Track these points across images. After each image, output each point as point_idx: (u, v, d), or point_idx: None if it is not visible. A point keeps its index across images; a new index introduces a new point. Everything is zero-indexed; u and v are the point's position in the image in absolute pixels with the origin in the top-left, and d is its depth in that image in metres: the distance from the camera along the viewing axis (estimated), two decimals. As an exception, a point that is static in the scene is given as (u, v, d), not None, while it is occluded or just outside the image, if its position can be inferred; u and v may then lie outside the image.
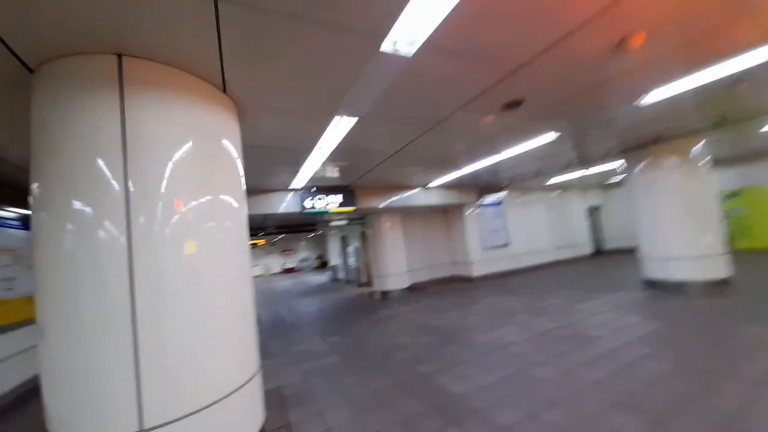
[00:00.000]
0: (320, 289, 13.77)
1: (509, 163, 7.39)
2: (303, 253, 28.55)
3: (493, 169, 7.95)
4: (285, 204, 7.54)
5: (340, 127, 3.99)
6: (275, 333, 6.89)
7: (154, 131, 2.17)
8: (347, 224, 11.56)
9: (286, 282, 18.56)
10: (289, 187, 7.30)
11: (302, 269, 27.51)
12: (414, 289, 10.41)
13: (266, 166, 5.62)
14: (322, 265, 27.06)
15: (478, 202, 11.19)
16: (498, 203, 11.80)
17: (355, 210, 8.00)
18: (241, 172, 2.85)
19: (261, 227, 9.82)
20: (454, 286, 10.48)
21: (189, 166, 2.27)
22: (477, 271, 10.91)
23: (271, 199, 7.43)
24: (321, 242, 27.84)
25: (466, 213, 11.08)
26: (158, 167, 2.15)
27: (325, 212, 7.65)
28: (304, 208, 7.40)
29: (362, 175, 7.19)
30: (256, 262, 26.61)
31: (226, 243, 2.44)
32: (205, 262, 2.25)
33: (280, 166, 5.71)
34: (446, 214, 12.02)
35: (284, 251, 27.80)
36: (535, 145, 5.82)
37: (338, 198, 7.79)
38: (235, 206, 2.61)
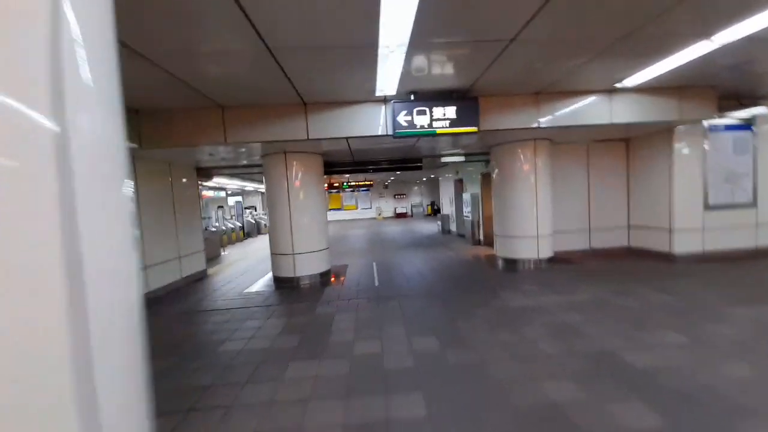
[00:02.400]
0: (428, 242, 11.53)
1: None
2: (415, 198, 26.83)
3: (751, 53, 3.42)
4: (369, 122, 5.06)
5: None
6: (348, 310, 4.97)
7: None
8: (463, 162, 8.49)
9: (395, 228, 17.15)
10: (376, 94, 4.70)
11: (414, 215, 26.03)
12: (560, 262, 6.92)
13: (321, 61, 3.20)
14: (434, 212, 24.92)
15: (708, 122, 6.25)
16: (746, 126, 6.46)
17: (477, 131, 4.89)
18: None
19: (349, 162, 7.86)
20: (636, 264, 6.46)
21: None
22: (686, 244, 6.45)
23: (349, 114, 5.04)
24: (434, 187, 25.43)
25: (677, 144, 6.36)
26: None
27: (430, 133, 4.82)
28: (397, 127, 4.75)
29: (491, 63, 3.95)
30: (369, 204, 26.44)
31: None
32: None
33: (343, 54, 3.14)
34: (629, 146, 7.43)
35: (396, 195, 26.63)
36: None
37: (450, 111, 4.79)
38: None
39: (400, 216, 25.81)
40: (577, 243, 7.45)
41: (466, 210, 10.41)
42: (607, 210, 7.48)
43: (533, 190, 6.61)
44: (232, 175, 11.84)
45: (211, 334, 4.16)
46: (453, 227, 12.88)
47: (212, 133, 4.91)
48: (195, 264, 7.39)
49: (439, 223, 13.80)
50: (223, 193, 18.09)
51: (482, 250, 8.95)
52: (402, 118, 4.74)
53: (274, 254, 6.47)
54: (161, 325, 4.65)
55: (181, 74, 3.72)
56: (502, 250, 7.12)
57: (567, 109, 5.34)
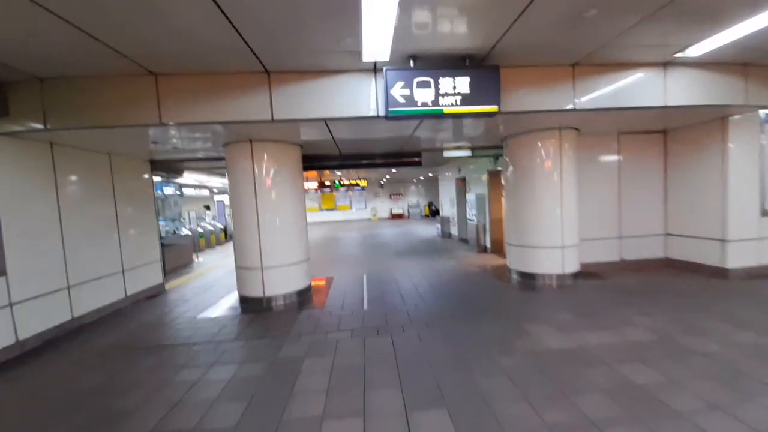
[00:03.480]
0: (427, 247, 10.32)
1: None
2: (412, 199, 25.64)
3: None
4: (354, 98, 3.83)
5: None
6: (324, 352, 3.75)
7: None
8: (469, 157, 7.28)
9: (391, 230, 15.93)
10: (363, 60, 3.45)
11: (410, 216, 24.84)
12: (587, 277, 5.74)
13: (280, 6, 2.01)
14: (432, 213, 23.74)
15: (764, 112, 5.13)
16: (815, 116, 5.33)
17: (497, 112, 3.68)
18: None
19: (335, 156, 6.60)
20: (683, 281, 5.29)
21: None
22: (741, 257, 5.31)
23: (328, 88, 3.81)
24: (433, 187, 24.27)
25: (733, 137, 5.21)
26: None
27: (435, 113, 3.60)
28: (391, 104, 3.52)
29: (517, 17, 2.77)
30: (363, 204, 25.21)
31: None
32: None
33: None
34: (666, 140, 6.27)
35: (392, 195, 25.42)
36: None
37: (462, 83, 3.57)
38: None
39: (396, 217, 24.63)
40: (605, 253, 6.27)
41: (471, 213, 9.22)
42: (640, 215, 6.31)
43: (557, 191, 5.42)
44: (209, 170, 10.53)
45: (119, 393, 2.90)
46: (454, 231, 11.69)
47: (141, 109, 3.63)
48: (147, 278, 6.10)
49: (439, 226, 12.60)
50: (205, 192, 16.76)
51: (490, 259, 7.75)
52: (398, 92, 3.50)
53: (239, 268, 5.21)
54: (63, 368, 3.38)
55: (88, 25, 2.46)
56: (516, 261, 5.92)
57: (610, 87, 4.14)
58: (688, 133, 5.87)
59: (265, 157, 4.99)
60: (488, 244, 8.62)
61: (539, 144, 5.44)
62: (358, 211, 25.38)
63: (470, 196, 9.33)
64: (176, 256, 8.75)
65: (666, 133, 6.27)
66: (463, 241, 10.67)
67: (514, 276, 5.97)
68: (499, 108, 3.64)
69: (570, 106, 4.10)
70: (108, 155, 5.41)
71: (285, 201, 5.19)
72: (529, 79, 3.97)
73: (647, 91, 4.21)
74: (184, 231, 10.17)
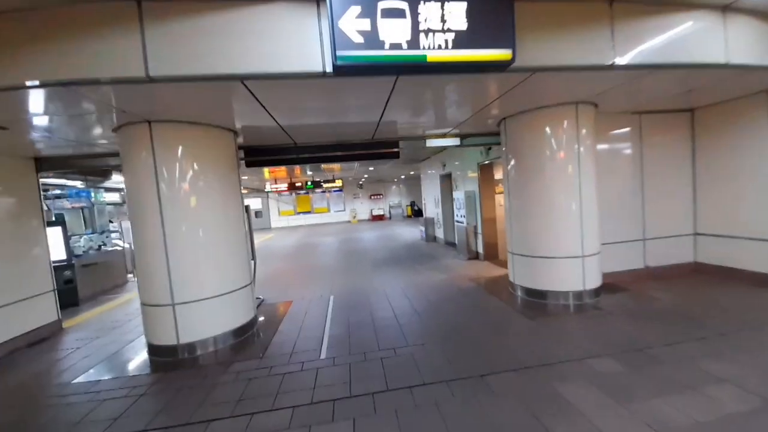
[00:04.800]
0: (410, 254, 9.00)
1: None
2: (393, 199, 24.36)
3: None
4: (280, 42, 2.40)
5: None
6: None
7: None
8: (457, 146, 5.96)
9: (370, 234, 14.54)
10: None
11: (392, 217, 23.55)
12: (611, 291, 4.55)
13: None
14: (415, 213, 22.53)
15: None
16: None
17: (510, 61, 2.35)
18: None
19: (290, 147, 5.09)
20: (719, 291, 4.18)
21: None
22: (804, 263, 4.27)
23: (237, 26, 2.35)
24: (415, 186, 23.06)
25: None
26: None
27: (415, 60, 2.22)
28: (341, 45, 2.12)
29: None
30: (342, 206, 23.71)
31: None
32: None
33: None
34: (694, 120, 5.19)
35: (372, 195, 24.03)
36: None
37: (456, 12, 2.22)
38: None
39: (376, 218, 23.26)
40: (626, 260, 5.12)
41: (459, 213, 7.95)
42: (665, 211, 5.20)
43: (575, 186, 4.20)
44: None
45: None
46: (440, 233, 10.43)
47: None
48: (29, 317, 4.43)
49: (423, 228, 11.31)
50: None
51: (483, 269, 6.50)
52: (352, 25, 2.12)
53: (144, 305, 3.67)
54: None
55: None
56: (521, 275, 4.67)
57: (657, 38, 2.92)
58: (722, 111, 4.79)
59: (174, 146, 3.48)
60: (480, 250, 7.38)
61: (550, 125, 4.20)
62: (337, 213, 23.87)
63: (458, 195, 8.07)
64: (99, 277, 7.02)
65: (693, 112, 5.18)
66: (450, 245, 9.42)
67: (519, 293, 4.72)
68: (513, 54, 2.33)
69: (609, 62, 2.84)
70: (-54, 148, 3.75)
71: (209, 208, 3.70)
72: (554, 18, 2.67)
73: (705, 44, 3.02)
74: (116, 245, 8.39)
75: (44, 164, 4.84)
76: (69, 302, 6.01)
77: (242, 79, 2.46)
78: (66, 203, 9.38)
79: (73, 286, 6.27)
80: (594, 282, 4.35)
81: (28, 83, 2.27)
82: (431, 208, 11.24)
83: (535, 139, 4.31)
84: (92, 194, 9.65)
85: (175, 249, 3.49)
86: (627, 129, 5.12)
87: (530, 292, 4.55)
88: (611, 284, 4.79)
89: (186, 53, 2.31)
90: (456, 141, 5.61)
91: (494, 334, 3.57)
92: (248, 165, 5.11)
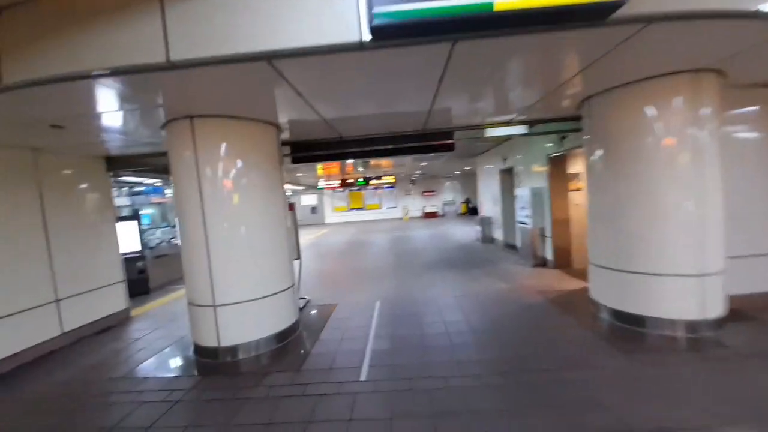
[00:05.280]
0: (464, 256, 8.27)
1: None
2: (447, 196, 23.36)
3: None
4: (315, 9, 1.97)
5: None
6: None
7: None
8: (524, 135, 5.08)
9: (422, 232, 13.96)
10: None
11: (445, 214, 22.60)
12: (738, 321, 3.42)
13: None
14: (469, 211, 21.30)
15: None
16: None
17: (618, 3, 1.64)
18: None
19: (334, 142, 4.76)
20: None
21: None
22: None
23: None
24: (470, 182, 21.80)
25: None
26: None
27: (477, 11, 1.64)
28: (377, 2, 1.63)
29: None
30: (394, 203, 23.40)
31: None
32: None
33: None
34: None
35: (425, 192, 23.31)
36: None
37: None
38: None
39: (429, 216, 22.51)
40: (754, 279, 3.86)
41: (523, 213, 7.00)
42: (825, 215, 3.81)
43: (694, 181, 3.19)
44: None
45: None
46: (498, 235, 9.46)
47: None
48: (98, 306, 4.78)
49: (479, 228, 10.41)
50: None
51: (554, 279, 5.56)
52: (394, -28, 1.62)
53: (190, 305, 3.62)
54: None
55: None
56: (610, 294, 3.76)
57: None
58: None
59: (215, 142, 3.34)
60: (549, 256, 6.39)
61: (655, 102, 3.24)
62: (389, 210, 23.65)
63: (522, 192, 7.11)
64: (169, 268, 7.55)
65: None
66: (510, 247, 8.45)
67: (605, 315, 3.81)
68: (625, -9, 1.62)
69: (753, 6, 1.94)
70: (32, 150, 4.10)
71: (250, 206, 3.52)
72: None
73: None
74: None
75: (114, 163, 5.18)
76: (141, 291, 6.53)
77: (268, 58, 2.11)
78: (146, 199, 10.41)
79: (145, 276, 6.81)
80: (716, 309, 3.29)
81: (48, 74, 2.17)
82: (488, 206, 10.27)
83: (633, 120, 3.37)
84: (165, 191, 10.57)
85: (216, 249, 3.37)
86: (756, 107, 3.84)
87: (621, 316, 3.63)
88: (736, 311, 3.63)
89: (207, 34, 2.02)
90: (522, 129, 4.79)
91: (575, 374, 2.82)
92: (294, 161, 4.92)
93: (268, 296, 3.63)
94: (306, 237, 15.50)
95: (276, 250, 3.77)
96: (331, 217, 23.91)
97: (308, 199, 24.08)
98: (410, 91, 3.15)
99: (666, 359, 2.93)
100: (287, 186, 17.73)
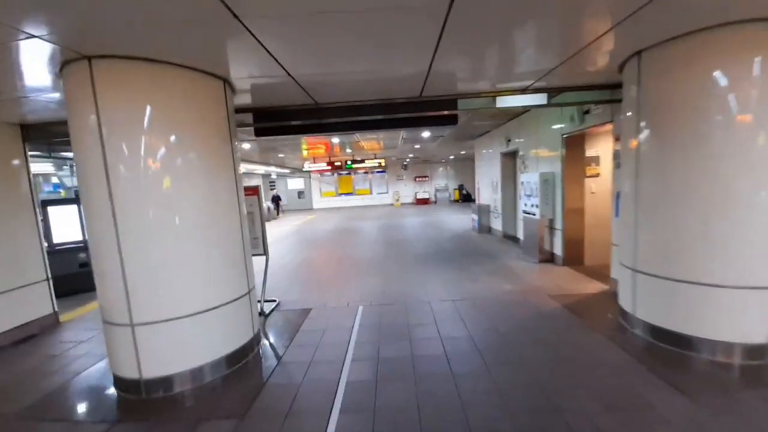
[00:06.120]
0: (460, 248, 7.50)
1: None
2: (440, 182, 22.53)
3: None
4: None
5: None
6: None
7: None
8: (543, 105, 4.16)
9: (414, 219, 13.14)
10: None
11: (437, 201, 21.85)
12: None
13: None
14: (463, 198, 20.55)
15: None
16: None
17: None
18: None
19: (310, 107, 3.78)
20: None
21: None
22: None
23: None
24: (464, 168, 20.96)
25: None
26: None
27: None
28: None
29: None
30: (385, 188, 22.47)
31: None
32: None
33: None
34: None
35: (417, 178, 22.42)
36: None
37: None
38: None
39: (421, 202, 21.73)
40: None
41: (529, 202, 6.18)
42: None
43: (780, 162, 2.38)
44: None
45: None
46: (496, 225, 8.70)
47: None
48: (12, 312, 3.81)
49: (475, 217, 9.62)
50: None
51: (566, 278, 4.81)
52: None
53: (105, 323, 2.70)
54: None
55: None
56: (651, 307, 2.98)
57: None
58: None
59: (127, 97, 2.36)
60: (558, 251, 5.63)
61: (731, 58, 2.38)
62: (380, 195, 22.74)
63: (528, 177, 6.27)
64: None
65: None
66: (510, 239, 7.71)
67: (640, 332, 3.06)
68: None
69: None
70: None
71: (184, 191, 2.57)
72: None
73: None
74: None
75: (32, 132, 4.11)
76: (83, 287, 5.53)
77: None
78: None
79: (89, 270, 5.82)
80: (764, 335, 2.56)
81: None
82: (487, 193, 9.45)
83: (694, 83, 2.51)
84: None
85: (132, 247, 2.43)
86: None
87: (663, 335, 2.87)
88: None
89: None
90: (541, 98, 3.89)
91: (625, 422, 2.04)
92: (258, 133, 3.94)
93: (212, 309, 2.74)
94: (291, 223, 14.53)
95: (225, 248, 2.86)
96: (319, 202, 22.89)
97: (295, 183, 22.94)
98: (402, 47, 2.20)
99: (739, 400, 2.18)
100: (271, 169, 16.52)
